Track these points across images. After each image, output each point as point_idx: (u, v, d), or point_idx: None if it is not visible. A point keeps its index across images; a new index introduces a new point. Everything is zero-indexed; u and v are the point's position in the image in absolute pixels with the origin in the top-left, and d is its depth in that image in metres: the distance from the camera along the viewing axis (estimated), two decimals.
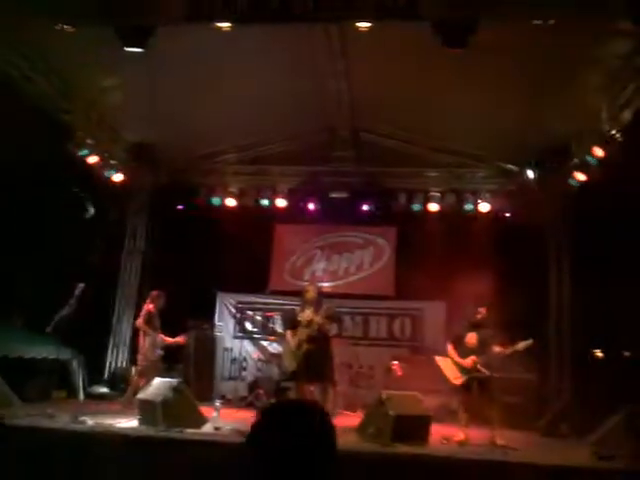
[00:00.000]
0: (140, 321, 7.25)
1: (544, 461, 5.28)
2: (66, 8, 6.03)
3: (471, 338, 6.29)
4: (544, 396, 7.66)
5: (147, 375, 6.81)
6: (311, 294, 6.49)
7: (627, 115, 7.03)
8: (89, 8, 6.01)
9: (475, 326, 6.31)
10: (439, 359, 6.45)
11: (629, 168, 7.38)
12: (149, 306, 7.31)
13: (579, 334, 8.42)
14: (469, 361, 6.18)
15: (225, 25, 6.11)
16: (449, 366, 6.33)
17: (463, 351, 6.28)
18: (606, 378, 7.73)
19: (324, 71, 7.75)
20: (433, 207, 9.52)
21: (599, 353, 9.25)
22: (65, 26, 6.16)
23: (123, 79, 7.47)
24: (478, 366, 6.12)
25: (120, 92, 7.93)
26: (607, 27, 5.92)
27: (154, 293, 7.49)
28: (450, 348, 6.40)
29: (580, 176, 8.10)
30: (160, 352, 7.19)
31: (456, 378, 6.24)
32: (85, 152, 8.31)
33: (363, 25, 6.14)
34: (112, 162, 8.96)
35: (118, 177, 9.06)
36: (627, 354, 8.85)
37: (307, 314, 6.39)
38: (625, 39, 6.11)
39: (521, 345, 6.08)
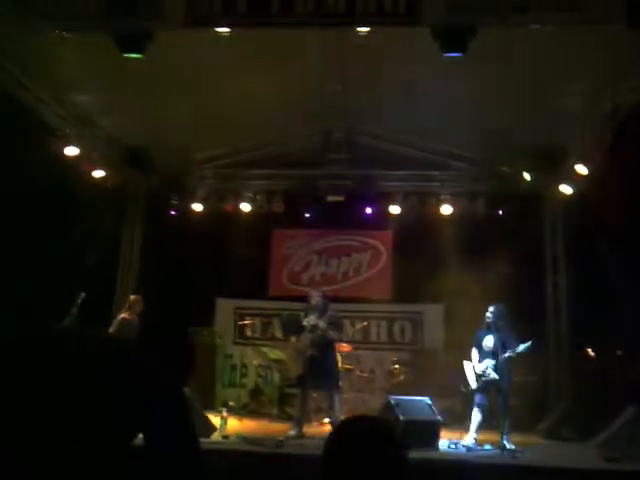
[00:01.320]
0: (110, 332, 6.72)
1: (553, 464, 5.32)
2: (64, 14, 5.95)
3: (488, 341, 6.30)
4: (545, 399, 7.70)
5: None
6: (316, 299, 6.46)
7: (619, 118, 7.12)
8: (87, 14, 5.94)
9: (492, 329, 6.32)
10: (465, 363, 6.50)
11: (622, 172, 7.49)
12: (123, 315, 7.03)
13: (577, 336, 8.48)
14: (482, 365, 6.21)
15: (224, 30, 6.09)
16: (470, 370, 6.40)
17: (482, 355, 6.32)
18: (603, 379, 7.81)
19: (320, 74, 7.73)
20: (429, 209, 9.52)
21: (591, 352, 9.35)
22: (63, 32, 6.11)
23: (117, 83, 7.41)
24: (488, 370, 6.14)
25: (114, 96, 7.89)
26: (603, 31, 5.96)
27: (132, 299, 7.22)
28: (474, 352, 6.44)
29: (571, 185, 8.20)
30: None
31: (472, 382, 6.30)
32: (72, 149, 8.17)
33: (363, 30, 6.15)
34: (106, 166, 8.85)
35: (112, 181, 8.95)
36: (619, 353, 8.96)
37: (311, 319, 6.36)
38: (620, 43, 6.17)
39: (521, 347, 6.11)
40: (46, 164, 7.82)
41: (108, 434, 1.34)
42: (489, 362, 6.21)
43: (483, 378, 6.16)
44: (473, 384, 6.24)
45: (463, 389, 6.41)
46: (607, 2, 5.54)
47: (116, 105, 8.15)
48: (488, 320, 6.29)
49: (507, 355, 6.15)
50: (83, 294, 6.25)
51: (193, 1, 5.94)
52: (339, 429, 1.49)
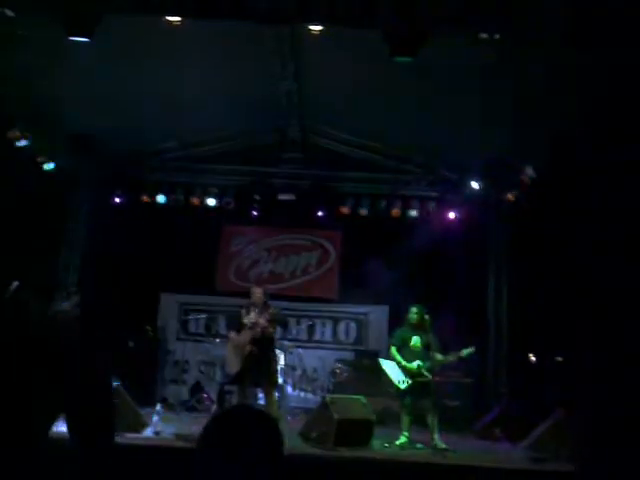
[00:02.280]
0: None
1: (481, 463, 5.44)
2: None
3: (416, 342, 6.37)
4: (481, 400, 7.87)
5: None
6: (257, 296, 6.42)
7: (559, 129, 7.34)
8: None
9: (416, 329, 6.39)
10: (384, 362, 6.50)
11: (565, 181, 7.74)
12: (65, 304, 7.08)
13: (516, 340, 8.71)
14: (414, 365, 6.27)
15: (175, 19, 6.00)
16: (394, 369, 6.37)
17: (408, 355, 6.35)
18: (540, 384, 8.05)
19: (274, 72, 7.72)
20: (378, 212, 9.61)
21: (532, 357, 9.63)
22: (6, 10, 5.90)
23: (66, 67, 7.21)
24: (422, 370, 6.21)
25: (62, 80, 7.67)
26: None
27: (72, 289, 7.38)
28: (394, 351, 6.44)
29: (517, 189, 8.42)
30: None
31: (400, 382, 6.29)
32: (24, 143, 7.94)
33: (315, 28, 6.16)
34: (49, 152, 8.59)
35: (56, 168, 8.71)
36: (559, 359, 9.26)
37: (252, 316, 6.32)
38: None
39: (465, 352, 6.22)
40: None
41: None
42: (419, 362, 6.26)
43: (415, 379, 6.20)
44: (402, 384, 6.26)
45: (390, 390, 6.42)
46: (552, 19, 5.73)
47: (65, 90, 7.95)
48: (412, 320, 6.36)
49: (450, 358, 6.24)
50: (16, 282, 6.01)
51: None
52: (210, 423, 1.47)
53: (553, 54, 6.19)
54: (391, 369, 6.37)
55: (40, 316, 1.66)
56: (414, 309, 6.38)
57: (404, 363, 6.28)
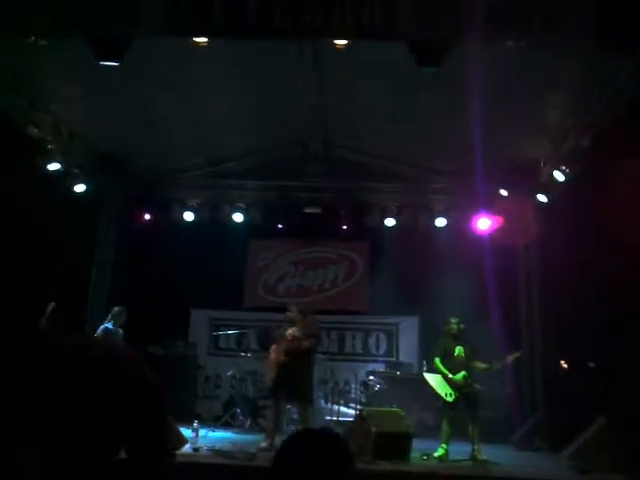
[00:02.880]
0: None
1: (525, 475, 5.34)
2: (37, 20, 5.88)
3: (460, 352, 6.30)
4: (518, 410, 7.75)
5: None
6: (293, 314, 6.44)
7: (590, 137, 7.28)
8: (61, 20, 5.88)
9: (457, 339, 6.33)
10: (428, 376, 6.43)
11: (592, 187, 7.64)
12: (106, 324, 7.20)
13: (550, 347, 8.57)
14: (460, 376, 6.18)
15: (201, 40, 6.09)
16: (440, 382, 6.28)
17: (452, 365, 6.27)
18: (575, 391, 7.91)
19: (297, 86, 7.77)
20: (405, 222, 9.58)
21: (564, 364, 9.47)
22: (36, 38, 6.04)
23: (93, 90, 7.36)
24: (469, 381, 6.12)
25: (90, 103, 7.83)
26: (574, 49, 6.10)
27: (115, 310, 7.33)
28: (438, 362, 6.36)
29: (546, 195, 8.33)
30: None
31: (448, 394, 6.20)
32: (54, 164, 8.10)
33: (340, 43, 6.21)
34: (79, 173, 8.75)
35: (85, 188, 8.86)
36: (592, 365, 9.09)
37: (292, 330, 6.33)
38: (590, 61, 6.33)
39: (511, 358, 6.15)
40: (18, 172, 7.73)
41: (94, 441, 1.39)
42: (465, 373, 6.17)
43: (464, 390, 6.10)
44: (450, 397, 6.16)
45: (437, 403, 6.32)
46: (578, 21, 5.69)
47: (93, 112, 8.10)
48: (453, 331, 6.28)
49: (500, 365, 6.16)
50: (53, 304, 6.13)
51: (171, 9, 5.93)
52: (285, 445, 1.48)
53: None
54: (436, 382, 6.29)
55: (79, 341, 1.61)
56: (454, 319, 6.30)
57: (450, 376, 6.19)
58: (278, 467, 1.44)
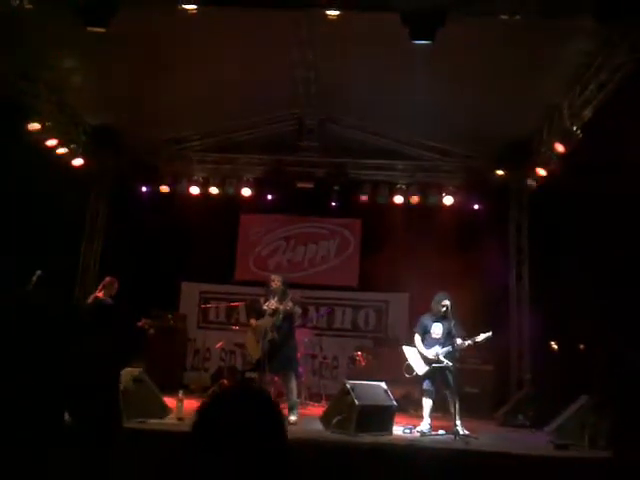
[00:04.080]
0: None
1: (503, 449, 5.41)
2: None
3: (436, 329, 6.37)
4: (503, 387, 7.82)
5: None
6: (276, 284, 6.44)
7: (588, 113, 7.21)
8: None
9: (441, 317, 6.37)
10: (406, 349, 6.50)
11: (589, 165, 7.59)
12: (99, 293, 7.16)
13: (538, 327, 8.61)
14: (432, 352, 6.27)
15: (191, 7, 5.99)
16: (414, 356, 6.39)
17: (429, 342, 6.35)
18: (562, 370, 7.97)
19: (292, 59, 7.68)
20: (398, 199, 9.56)
21: (555, 345, 9.53)
22: (24, 3, 5.95)
23: (85, 60, 7.28)
24: (440, 357, 6.20)
25: (81, 74, 7.74)
26: (571, 24, 6.01)
27: (106, 280, 7.32)
28: (417, 338, 6.44)
29: (541, 172, 8.28)
30: None
31: (419, 368, 6.31)
32: (45, 135, 8.04)
33: (332, 14, 6.10)
34: (72, 145, 8.69)
35: (78, 161, 8.81)
36: (582, 347, 9.15)
37: (272, 303, 6.35)
38: (588, 37, 6.24)
39: (481, 337, 6.19)
40: (10, 142, 7.66)
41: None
42: (438, 349, 6.27)
43: (435, 365, 6.20)
44: (420, 370, 6.27)
45: (407, 374, 6.43)
46: None
47: (84, 82, 8.02)
48: (444, 309, 6.32)
49: (467, 343, 6.21)
50: (39, 272, 6.13)
51: None
52: (208, 400, 1.37)
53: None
54: (412, 355, 6.40)
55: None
56: (444, 300, 6.33)
57: (421, 350, 6.31)
58: (199, 426, 1.31)
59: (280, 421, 1.36)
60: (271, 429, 1.33)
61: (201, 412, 1.33)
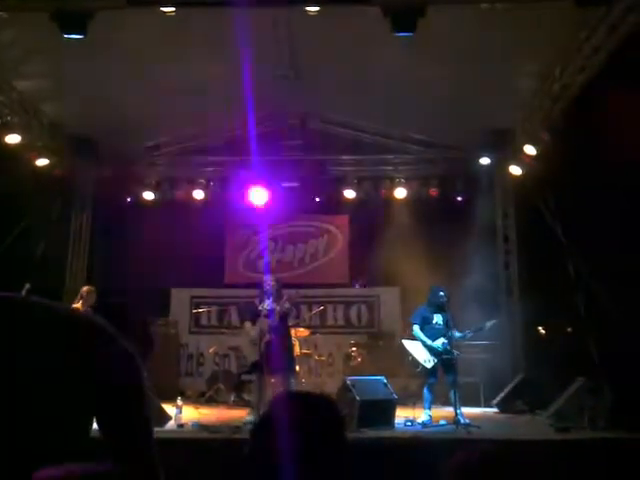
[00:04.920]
0: None
1: (505, 436, 5.44)
2: None
3: (438, 320, 6.37)
4: (499, 375, 7.87)
5: None
6: (269, 285, 6.40)
7: (565, 101, 7.28)
8: None
9: (439, 309, 6.39)
10: (407, 342, 6.49)
11: (569, 153, 7.66)
12: (76, 305, 6.98)
13: (529, 314, 8.68)
14: (440, 344, 6.26)
15: (169, 10, 5.93)
16: (419, 349, 6.36)
17: (431, 333, 6.35)
18: (556, 354, 8.06)
19: (271, 57, 7.63)
20: (383, 194, 9.57)
21: (542, 330, 9.64)
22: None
23: (59, 67, 7.15)
24: (448, 348, 6.21)
25: (56, 80, 7.61)
26: (550, 10, 6.04)
27: (84, 289, 7.13)
28: (417, 329, 6.44)
29: (529, 150, 8.27)
30: None
31: (427, 361, 6.27)
32: (13, 137, 7.87)
33: (312, 9, 6.08)
34: (53, 158, 8.56)
35: (58, 170, 8.67)
36: (569, 330, 9.27)
37: (267, 304, 6.31)
38: (568, 22, 6.28)
39: (487, 324, 6.24)
40: None
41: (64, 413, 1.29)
42: (442, 340, 6.26)
43: (444, 356, 6.19)
44: (428, 363, 6.24)
45: (416, 369, 6.40)
46: None
47: (60, 91, 7.88)
48: (442, 300, 6.34)
49: (471, 333, 6.25)
50: (28, 285, 6.01)
51: None
52: (276, 403, 1.36)
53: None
54: (415, 349, 6.37)
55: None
56: (438, 290, 6.36)
57: (429, 342, 6.28)
58: (263, 426, 1.31)
59: (342, 423, 1.35)
60: (335, 432, 1.31)
61: (264, 417, 1.33)
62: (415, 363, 6.35)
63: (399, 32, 5.69)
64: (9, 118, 7.73)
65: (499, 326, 6.83)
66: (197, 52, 7.10)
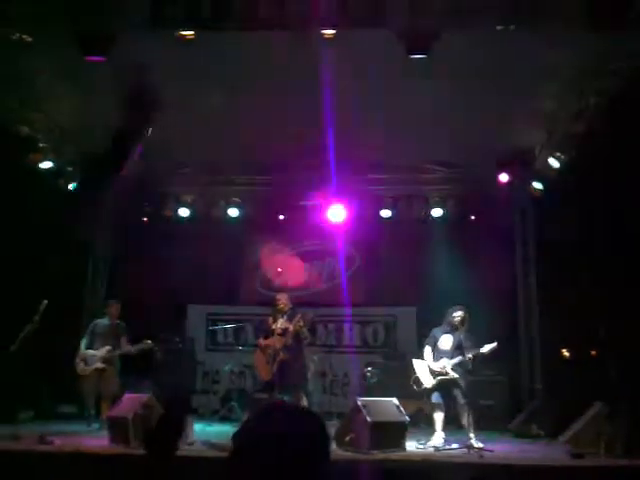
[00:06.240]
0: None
1: (519, 462, 5.34)
2: (22, 16, 5.88)
3: (446, 341, 6.33)
4: (516, 398, 7.74)
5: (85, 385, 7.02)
6: (283, 302, 6.43)
7: (583, 122, 7.23)
8: (47, 16, 5.87)
9: (452, 329, 6.35)
10: (416, 362, 6.48)
11: (590, 170, 7.59)
12: (100, 320, 7.47)
13: (548, 335, 8.54)
14: (440, 364, 6.23)
15: (189, 33, 6.06)
16: (423, 369, 6.36)
17: (437, 354, 6.31)
18: (575, 378, 7.88)
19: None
20: (401, 213, 9.56)
21: (566, 352, 9.44)
22: (22, 35, 6.04)
23: (85, 88, 7.34)
24: (447, 369, 6.16)
25: (82, 101, 7.81)
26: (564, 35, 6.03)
27: (110, 304, 7.62)
28: (427, 350, 6.40)
29: (541, 182, 8.26)
30: (98, 365, 7.18)
31: (427, 381, 6.28)
32: (46, 163, 8.12)
33: (329, 32, 6.16)
34: (72, 171, 8.76)
35: (78, 188, 8.88)
36: (594, 353, 9.05)
37: (281, 323, 6.33)
38: (581, 47, 6.26)
39: (485, 348, 6.14)
40: (12, 172, 7.73)
41: None
42: (446, 362, 6.23)
43: (441, 377, 6.16)
44: (428, 383, 6.23)
45: (416, 388, 6.39)
46: (570, 4, 5.64)
47: (86, 111, 8.08)
48: (456, 322, 6.29)
49: (472, 355, 6.17)
50: (45, 302, 6.15)
51: (157, 3, 5.92)
52: (253, 416, 1.37)
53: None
54: (421, 368, 6.37)
55: None
56: (454, 310, 6.32)
57: (429, 362, 6.28)
58: (242, 441, 1.31)
59: (326, 439, 1.34)
60: (316, 447, 1.31)
61: (245, 427, 1.33)
62: (417, 382, 6.33)
63: (413, 54, 5.74)
64: (41, 145, 8.01)
65: (510, 349, 6.73)
66: (219, 72, 7.21)
